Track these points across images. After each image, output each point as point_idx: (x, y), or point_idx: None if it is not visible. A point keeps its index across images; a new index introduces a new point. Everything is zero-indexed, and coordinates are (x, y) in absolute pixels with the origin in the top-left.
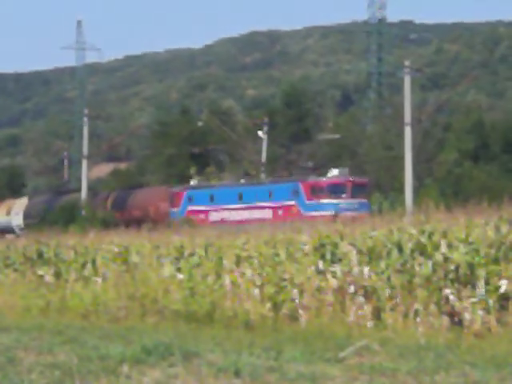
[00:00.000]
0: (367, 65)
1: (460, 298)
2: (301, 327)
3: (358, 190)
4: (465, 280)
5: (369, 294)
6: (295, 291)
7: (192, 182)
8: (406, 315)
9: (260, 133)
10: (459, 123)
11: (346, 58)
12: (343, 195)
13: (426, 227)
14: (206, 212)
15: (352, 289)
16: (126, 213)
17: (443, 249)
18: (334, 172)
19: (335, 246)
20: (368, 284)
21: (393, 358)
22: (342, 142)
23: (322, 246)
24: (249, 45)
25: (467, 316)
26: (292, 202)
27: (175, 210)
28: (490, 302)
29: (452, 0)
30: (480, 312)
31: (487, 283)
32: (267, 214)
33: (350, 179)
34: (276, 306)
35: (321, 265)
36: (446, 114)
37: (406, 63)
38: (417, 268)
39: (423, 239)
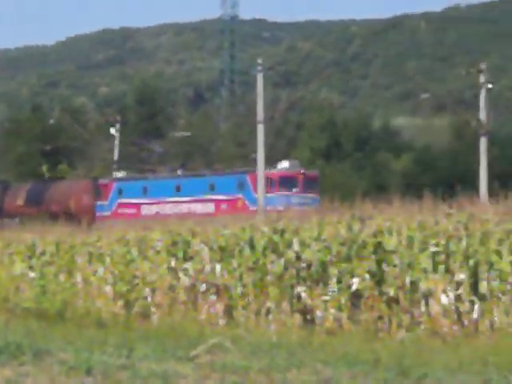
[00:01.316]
0: (220, 62)
1: (312, 296)
2: (153, 325)
3: (309, 183)
4: (317, 278)
5: (221, 291)
6: (147, 289)
7: (120, 174)
8: (258, 313)
9: (112, 130)
10: (311, 121)
11: (199, 56)
12: (294, 189)
13: (278, 225)
14: (137, 206)
15: (204, 287)
16: (43, 207)
17: (295, 247)
18: (284, 164)
19: (187, 244)
20: (220, 282)
21: (245, 356)
22: (195, 140)
23: (175, 244)
24: (101, 42)
25: (319, 314)
26: (238, 196)
27: (103, 203)
28: (342, 299)
29: None
30: (332, 310)
31: (339, 281)
32: (208, 208)
33: (302, 172)
34: (128, 304)
35: (173, 263)
36: (298, 112)
37: (259, 61)
38: (269, 266)
39: (275, 237)
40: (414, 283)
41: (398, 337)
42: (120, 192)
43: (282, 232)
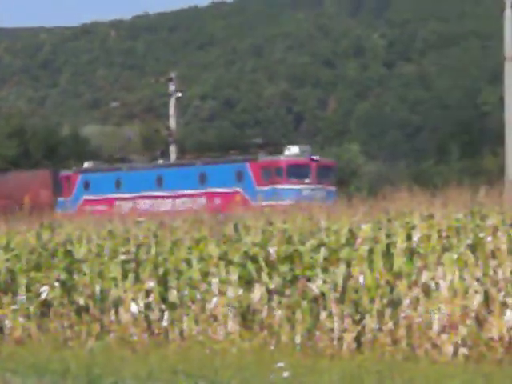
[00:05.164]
0: None
1: (1, 305)
2: None
3: (324, 173)
4: (6, 287)
5: None
6: None
7: (86, 164)
8: None
9: None
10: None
11: None
12: (306, 179)
13: None
14: (110, 201)
15: None
16: None
17: None
18: (294, 150)
19: None
20: None
21: None
22: None
23: None
24: None
25: (8, 323)
26: (235, 189)
27: (65, 198)
28: (31, 308)
29: None
30: (21, 319)
31: (28, 290)
32: (198, 203)
33: (315, 159)
34: None
35: None
36: None
37: None
38: None
39: None
40: (103, 292)
41: (87, 345)
42: (87, 185)
43: None
